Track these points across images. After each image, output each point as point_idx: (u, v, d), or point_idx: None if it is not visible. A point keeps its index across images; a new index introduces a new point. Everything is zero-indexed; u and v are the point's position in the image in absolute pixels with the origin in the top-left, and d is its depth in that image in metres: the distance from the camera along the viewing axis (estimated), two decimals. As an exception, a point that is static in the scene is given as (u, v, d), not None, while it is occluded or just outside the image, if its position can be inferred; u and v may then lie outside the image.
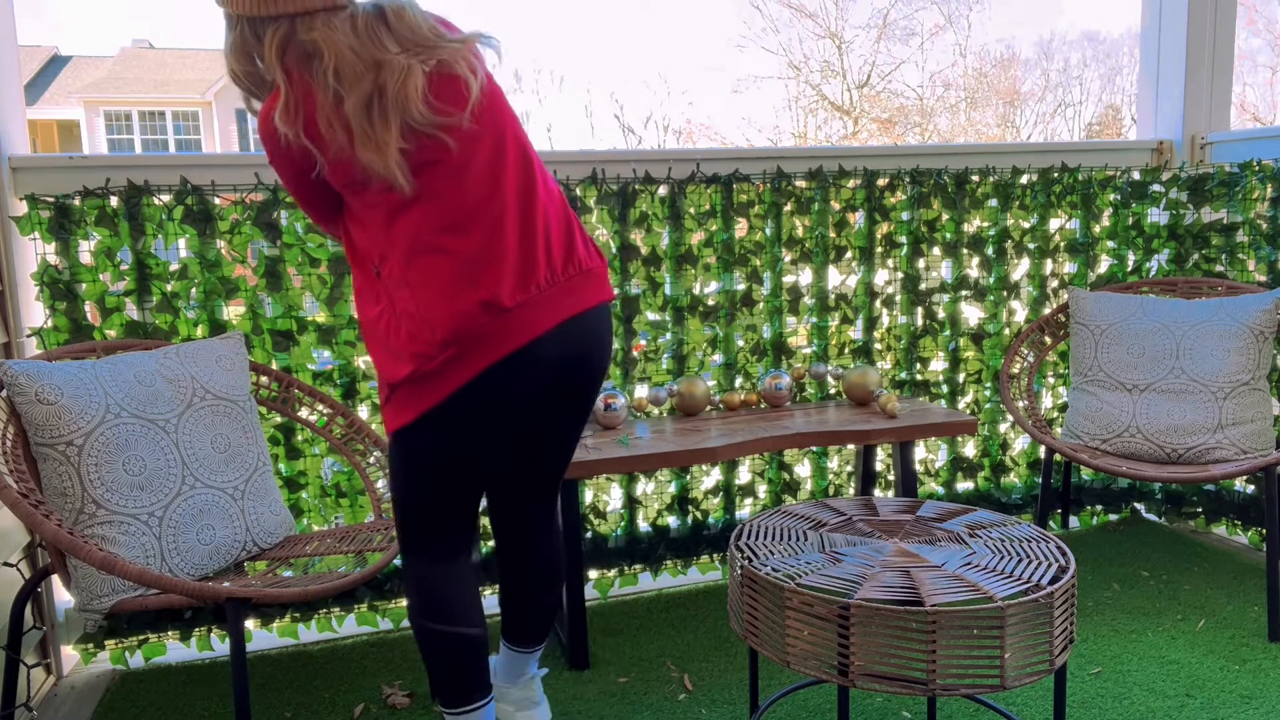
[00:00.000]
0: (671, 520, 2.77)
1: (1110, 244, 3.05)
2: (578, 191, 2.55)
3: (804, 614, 1.44)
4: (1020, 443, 3.08)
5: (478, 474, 1.67)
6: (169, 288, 2.29)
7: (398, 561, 2.51)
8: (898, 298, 2.88)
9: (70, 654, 2.39)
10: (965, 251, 2.92)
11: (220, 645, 2.43)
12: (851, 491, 2.91)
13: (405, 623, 2.55)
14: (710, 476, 2.80)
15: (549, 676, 2.25)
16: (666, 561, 2.77)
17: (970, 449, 3.04)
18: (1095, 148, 3.08)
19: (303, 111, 1.49)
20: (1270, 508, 2.33)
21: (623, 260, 2.61)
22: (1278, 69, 22.15)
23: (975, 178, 2.89)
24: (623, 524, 2.71)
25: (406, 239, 1.53)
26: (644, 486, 2.73)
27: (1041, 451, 2.95)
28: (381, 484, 2.30)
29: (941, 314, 2.93)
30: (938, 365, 2.97)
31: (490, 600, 2.56)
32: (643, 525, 2.74)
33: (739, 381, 2.78)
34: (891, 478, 2.66)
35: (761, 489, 2.84)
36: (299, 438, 2.42)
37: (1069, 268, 3.04)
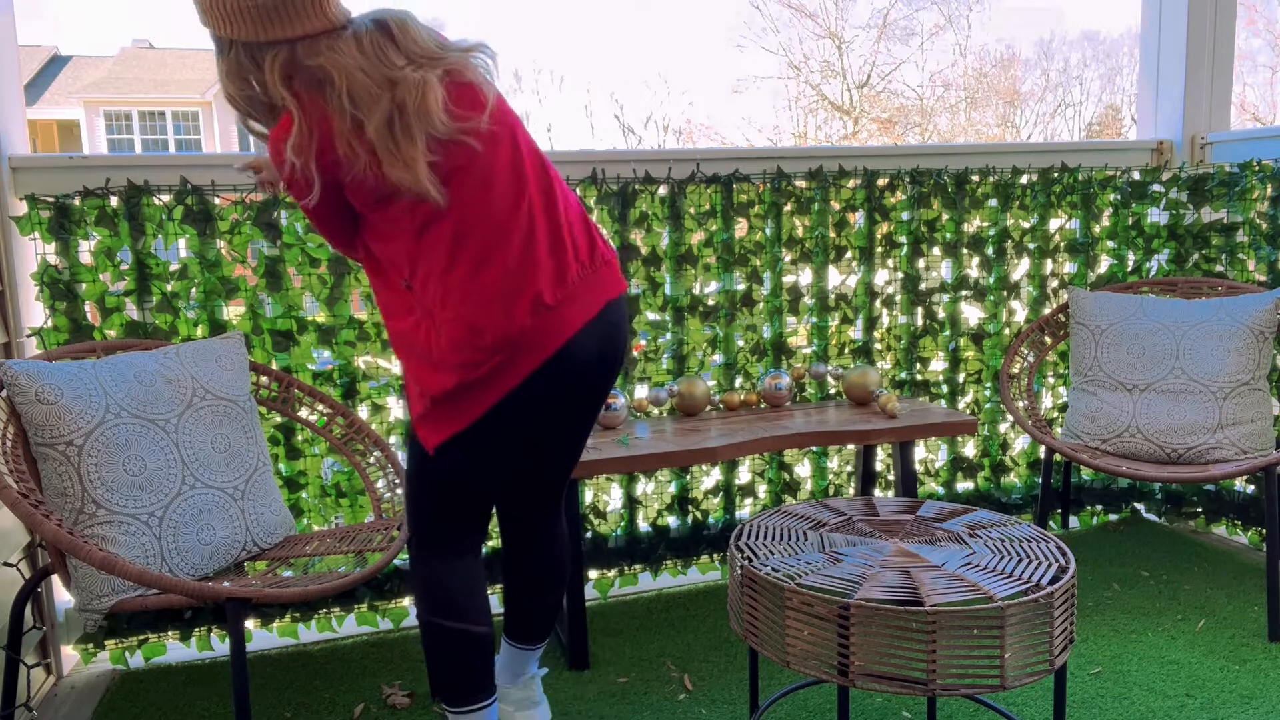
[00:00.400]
0: (671, 520, 2.77)
1: (1110, 244, 3.05)
2: (578, 191, 2.55)
3: (804, 614, 1.44)
4: (1020, 443, 3.08)
5: (501, 483, 1.67)
6: (169, 288, 2.29)
7: (398, 561, 2.51)
8: (898, 298, 2.88)
9: (70, 654, 2.39)
10: (965, 251, 2.92)
11: (220, 645, 2.43)
12: (851, 491, 2.91)
13: (405, 623, 2.55)
14: (710, 476, 2.80)
15: (549, 676, 2.25)
16: (666, 561, 2.77)
17: (970, 449, 3.04)
18: (1095, 148, 3.08)
19: (317, 137, 1.46)
20: (1270, 508, 2.33)
21: (623, 260, 2.61)
22: (1278, 69, 22.15)
23: (975, 178, 2.89)
24: (623, 524, 2.71)
25: (441, 248, 1.51)
26: (644, 486, 2.73)
27: (1041, 451, 2.95)
28: (381, 484, 2.30)
29: (941, 314, 2.93)
30: (938, 365, 2.97)
31: (492, 599, 2.56)
32: (643, 525, 2.74)
33: (739, 381, 2.78)
34: (891, 478, 2.66)
35: (761, 489, 2.84)
36: (299, 438, 2.42)
37: (1069, 268, 3.04)
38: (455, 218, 1.51)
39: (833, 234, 2.79)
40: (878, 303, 2.86)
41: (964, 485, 3.04)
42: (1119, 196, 3.03)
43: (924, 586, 1.44)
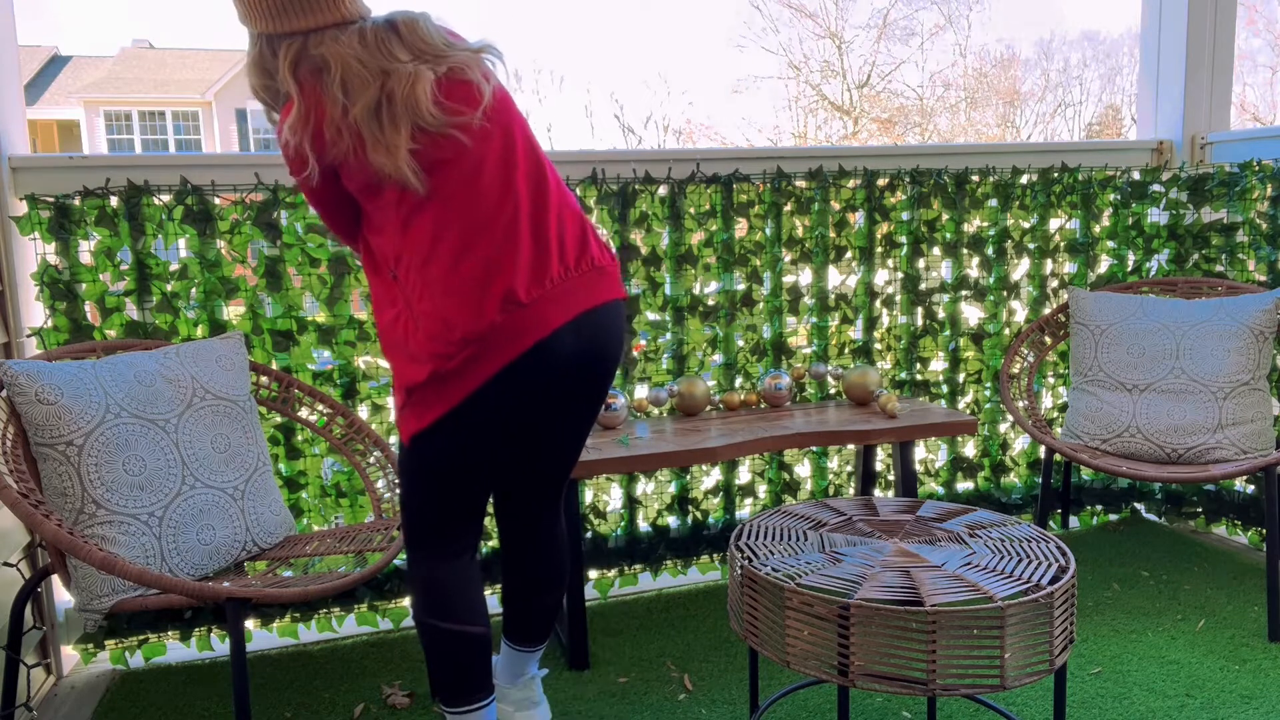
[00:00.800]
0: (671, 520, 2.77)
1: (1110, 244, 3.05)
2: (578, 191, 2.55)
3: (804, 614, 1.44)
4: (1020, 443, 3.08)
5: (489, 477, 1.67)
6: (169, 288, 2.29)
7: (398, 561, 2.51)
8: (898, 298, 2.88)
9: (70, 654, 2.39)
10: (965, 251, 2.92)
11: (220, 645, 2.43)
12: (851, 491, 2.91)
13: (405, 623, 2.55)
14: (710, 476, 2.80)
15: (549, 676, 2.25)
16: (666, 561, 2.77)
17: (970, 449, 3.04)
18: (1095, 148, 3.08)
19: (312, 121, 1.54)
20: (1270, 508, 2.33)
21: (623, 260, 2.61)
22: (1278, 69, 22.16)
23: (975, 178, 2.89)
24: (623, 524, 2.71)
25: (423, 240, 1.54)
26: (644, 486, 2.73)
27: (1041, 451, 2.95)
28: (381, 484, 2.30)
29: (941, 314, 2.93)
30: (938, 365, 2.97)
31: (491, 600, 2.56)
32: (643, 525, 2.74)
33: (739, 381, 2.78)
34: (891, 478, 2.66)
35: (761, 489, 2.84)
36: (299, 438, 2.42)
37: (1069, 268, 3.04)
38: (437, 210, 1.54)
39: (833, 234, 2.79)
40: (878, 303, 2.86)
41: (964, 485, 3.04)
42: (1119, 196, 3.03)
43: (924, 586, 1.44)
